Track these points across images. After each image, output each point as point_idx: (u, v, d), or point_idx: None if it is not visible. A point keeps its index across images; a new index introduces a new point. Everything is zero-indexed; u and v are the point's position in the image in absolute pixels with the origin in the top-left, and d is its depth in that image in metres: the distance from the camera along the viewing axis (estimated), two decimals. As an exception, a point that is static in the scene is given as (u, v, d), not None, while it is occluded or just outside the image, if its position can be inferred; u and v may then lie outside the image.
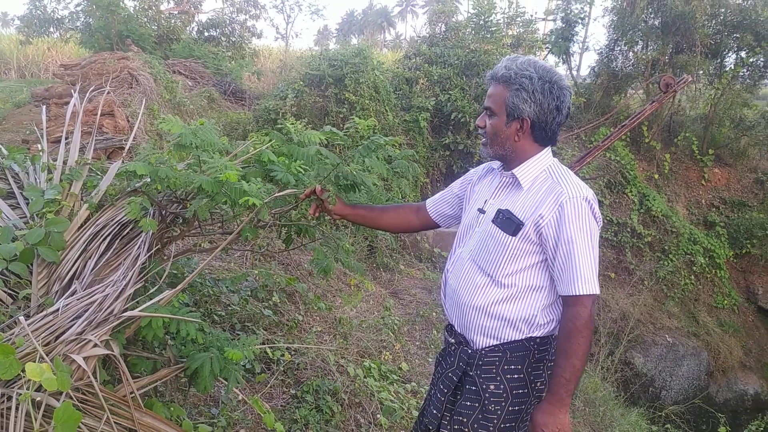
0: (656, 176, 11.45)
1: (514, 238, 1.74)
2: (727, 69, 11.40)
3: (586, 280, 1.66)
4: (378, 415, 3.10)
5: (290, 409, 2.86)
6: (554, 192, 1.71)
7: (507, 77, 1.74)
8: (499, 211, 1.80)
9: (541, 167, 1.79)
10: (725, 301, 10.48)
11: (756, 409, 8.85)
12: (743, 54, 11.21)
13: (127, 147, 2.84)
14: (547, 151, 1.83)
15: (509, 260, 1.76)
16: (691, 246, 10.39)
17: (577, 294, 1.67)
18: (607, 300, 9.26)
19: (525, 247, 1.74)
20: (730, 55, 11.66)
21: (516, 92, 1.72)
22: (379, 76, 8.03)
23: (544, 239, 1.71)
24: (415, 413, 3.30)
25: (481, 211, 1.89)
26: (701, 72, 11.54)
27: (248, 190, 1.77)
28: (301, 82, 7.84)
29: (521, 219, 1.74)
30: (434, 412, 1.94)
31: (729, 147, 11.76)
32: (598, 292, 1.68)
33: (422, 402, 3.45)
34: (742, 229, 11.00)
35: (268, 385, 2.99)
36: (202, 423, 2.37)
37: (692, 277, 10.36)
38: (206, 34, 12.47)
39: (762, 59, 11.05)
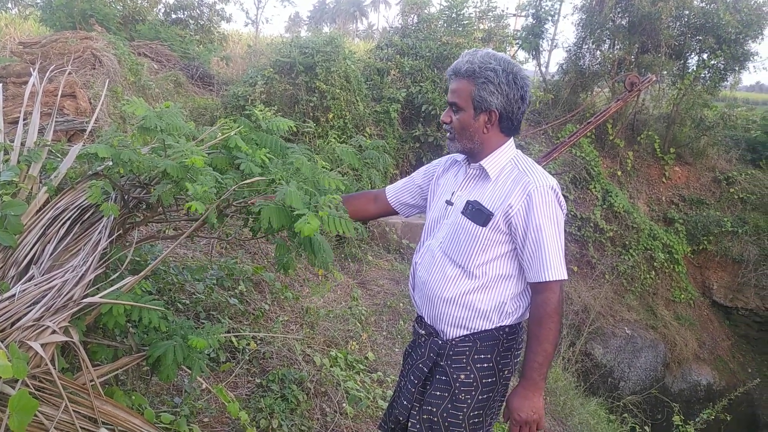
0: (619, 173, 11.73)
1: (484, 228, 1.77)
2: (690, 70, 11.73)
3: (555, 267, 1.71)
4: (344, 404, 3.11)
5: (255, 398, 2.84)
6: (522, 182, 1.75)
7: (471, 71, 1.76)
8: (468, 203, 1.82)
9: (507, 158, 1.84)
10: (682, 296, 10.85)
11: (708, 399, 9.20)
12: (705, 56, 11.55)
13: (88, 129, 2.75)
14: (511, 142, 1.87)
15: (480, 251, 1.79)
16: (650, 241, 10.70)
17: (547, 280, 1.72)
18: (570, 293, 9.46)
19: (495, 237, 1.78)
20: (692, 56, 11.99)
21: (482, 85, 1.75)
22: (351, 65, 7.97)
23: (513, 228, 1.75)
24: (381, 402, 3.32)
25: (449, 203, 1.91)
26: (665, 72, 11.83)
27: (192, 191, 1.72)
28: (271, 69, 7.71)
29: (491, 209, 1.77)
30: (404, 403, 1.96)
31: (689, 146, 12.13)
32: (566, 277, 1.74)
33: (389, 392, 3.48)
34: (700, 226, 11.38)
35: (233, 374, 2.96)
36: (165, 412, 2.34)
37: (651, 271, 10.68)
38: (173, 16, 12.13)
39: (722, 62, 11.40)
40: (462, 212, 1.83)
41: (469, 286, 1.82)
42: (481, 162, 1.84)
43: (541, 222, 1.71)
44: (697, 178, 12.21)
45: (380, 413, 3.24)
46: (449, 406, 1.83)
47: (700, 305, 11.16)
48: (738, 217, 11.41)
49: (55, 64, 5.40)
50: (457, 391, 1.83)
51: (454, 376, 1.83)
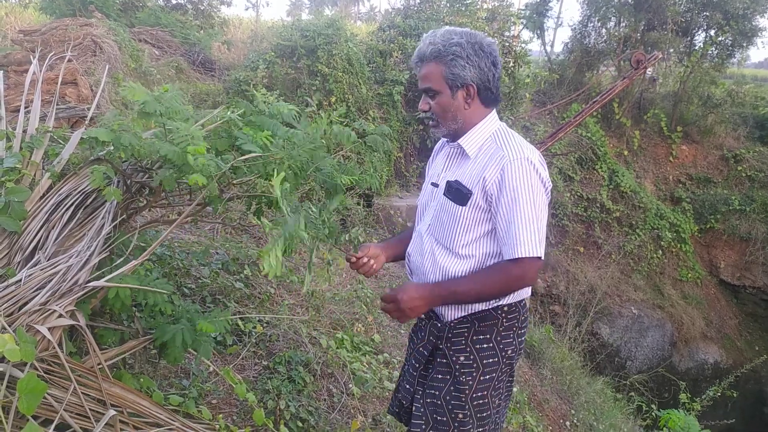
0: (626, 152, 11.65)
1: (464, 208, 1.74)
2: (697, 47, 11.58)
3: (527, 243, 1.63)
4: (350, 385, 3.14)
5: (262, 380, 2.87)
6: (497, 156, 1.70)
7: (437, 52, 1.72)
8: (448, 183, 1.80)
9: (487, 133, 1.79)
10: (689, 275, 10.83)
11: (715, 377, 9.22)
12: (712, 32, 11.39)
13: (89, 116, 2.75)
14: (493, 115, 1.82)
15: (464, 231, 1.76)
16: (657, 221, 10.66)
17: (517, 257, 1.64)
18: (576, 273, 9.46)
19: (476, 215, 1.74)
20: (699, 33, 11.84)
21: (452, 62, 1.71)
22: (353, 48, 7.91)
23: (489, 204, 1.71)
24: (387, 383, 3.35)
25: (435, 185, 1.90)
26: (672, 50, 11.69)
27: (192, 164, 1.71)
28: (273, 53, 7.67)
29: (469, 188, 1.73)
30: (407, 386, 1.96)
31: (696, 124, 12.02)
32: (539, 254, 1.64)
33: (395, 373, 3.50)
34: (707, 204, 11.32)
35: (240, 357, 2.98)
36: (173, 394, 2.36)
37: (658, 251, 10.66)
38: (173, 1, 12.06)
39: (730, 38, 11.24)
40: (444, 193, 1.81)
41: (459, 268, 1.79)
42: (459, 141, 1.80)
43: (513, 195, 1.64)
44: (705, 156, 12.11)
45: (387, 394, 3.26)
46: (452, 388, 1.82)
47: (708, 284, 11.15)
48: (745, 195, 11.33)
49: (55, 52, 5.39)
50: (457, 374, 1.81)
51: (454, 358, 1.82)
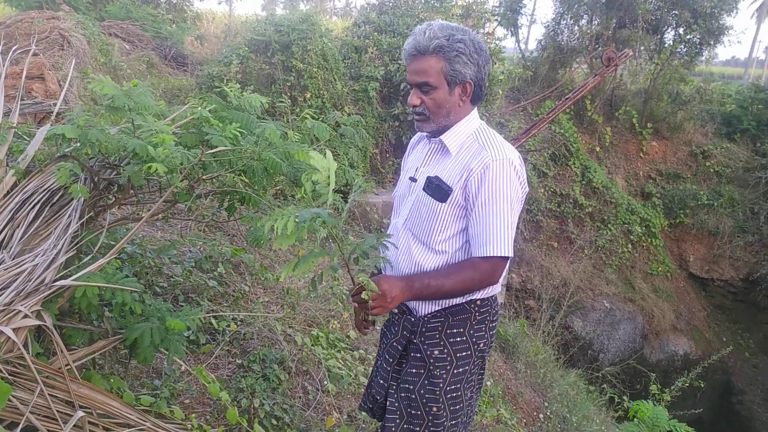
0: (598, 149, 11.83)
1: (444, 204, 1.75)
2: (666, 45, 11.80)
3: (498, 242, 1.67)
4: (325, 382, 3.13)
5: (236, 378, 2.84)
6: (480, 155, 1.71)
7: (440, 47, 1.68)
8: (428, 179, 1.80)
9: (469, 131, 1.80)
10: (659, 268, 11.06)
11: (685, 368, 9.41)
12: (681, 31, 11.62)
13: (55, 111, 2.68)
14: (475, 113, 1.84)
15: (442, 227, 1.77)
16: (628, 216, 10.86)
17: (488, 255, 1.68)
18: (550, 268, 9.59)
19: (455, 212, 1.75)
20: (669, 31, 12.07)
21: (455, 58, 1.70)
22: (328, 43, 7.86)
23: (466, 200, 1.73)
24: (363, 379, 3.35)
25: (413, 179, 1.89)
26: (642, 48, 11.89)
27: (154, 154, 1.68)
28: (247, 48, 7.58)
29: (450, 185, 1.74)
30: (381, 382, 1.96)
31: (666, 121, 12.25)
32: (509, 254, 1.68)
33: (370, 369, 3.51)
34: (677, 199, 11.57)
35: (213, 356, 2.95)
36: (145, 395, 2.33)
37: (629, 245, 10.86)
38: (145, -6, 11.82)
39: (698, 36, 11.48)
40: (423, 189, 1.81)
41: (433, 263, 1.80)
42: (441, 137, 1.80)
43: (490, 195, 1.67)
44: (674, 152, 12.37)
45: (362, 390, 3.26)
46: (426, 382, 1.83)
47: (677, 277, 11.40)
48: (713, 190, 11.62)
49: (20, 45, 5.24)
50: (432, 367, 1.83)
51: (428, 352, 1.84)
